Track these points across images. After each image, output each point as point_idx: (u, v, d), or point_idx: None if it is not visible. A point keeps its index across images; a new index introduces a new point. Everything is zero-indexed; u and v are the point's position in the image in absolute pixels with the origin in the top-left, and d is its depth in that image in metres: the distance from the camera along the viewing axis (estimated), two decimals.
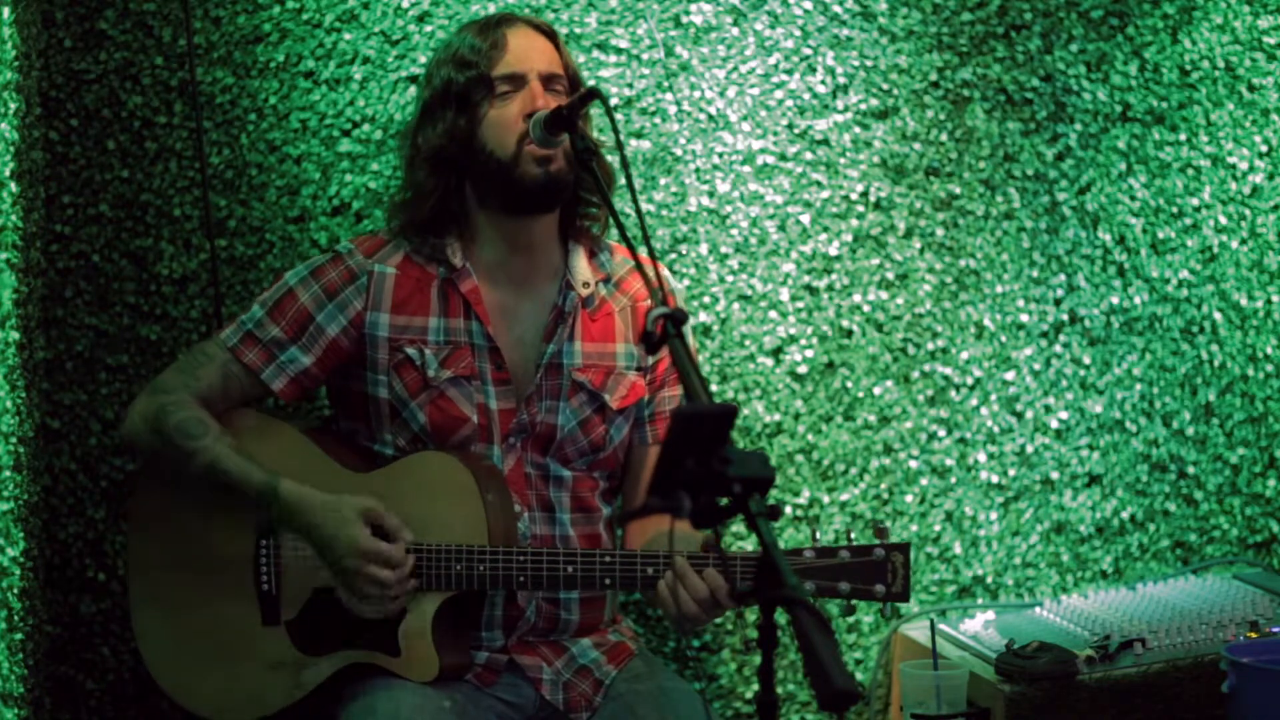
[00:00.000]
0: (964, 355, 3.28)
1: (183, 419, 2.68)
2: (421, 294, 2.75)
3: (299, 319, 2.74)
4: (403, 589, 2.62)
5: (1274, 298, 3.39)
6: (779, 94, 3.21)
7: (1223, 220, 3.37)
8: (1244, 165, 3.37)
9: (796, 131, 3.22)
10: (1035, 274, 3.30)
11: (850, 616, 2.75)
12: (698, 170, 3.19)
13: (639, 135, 3.17)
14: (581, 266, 2.81)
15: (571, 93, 2.73)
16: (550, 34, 2.79)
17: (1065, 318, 3.32)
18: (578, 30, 3.13)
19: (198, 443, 2.67)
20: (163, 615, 2.76)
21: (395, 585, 2.61)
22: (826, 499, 3.22)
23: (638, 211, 2.40)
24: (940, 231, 3.27)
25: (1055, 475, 3.31)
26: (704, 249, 3.19)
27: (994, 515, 3.28)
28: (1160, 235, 3.35)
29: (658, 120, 3.18)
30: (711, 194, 3.20)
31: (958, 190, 3.28)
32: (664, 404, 2.86)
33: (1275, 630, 2.97)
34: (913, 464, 3.25)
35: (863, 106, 3.24)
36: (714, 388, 3.18)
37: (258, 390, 2.75)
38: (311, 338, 2.73)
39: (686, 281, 3.17)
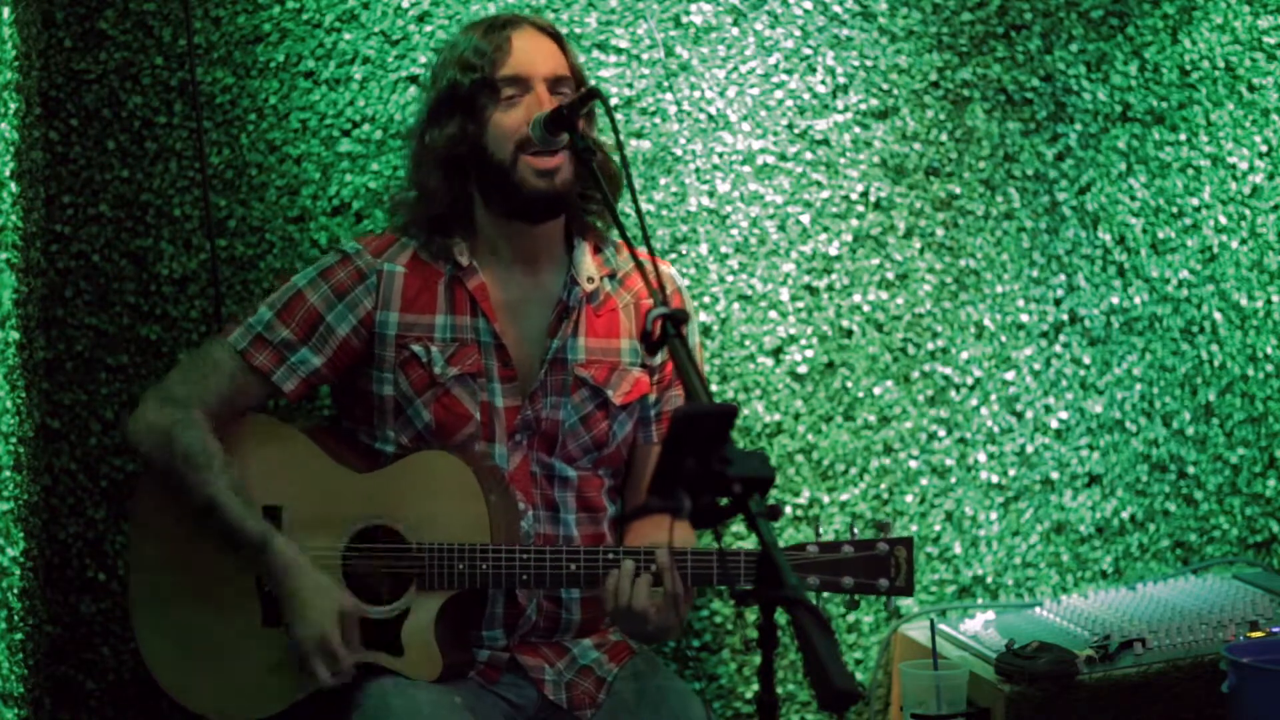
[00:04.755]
0: (964, 355, 3.28)
1: (190, 443, 2.68)
2: (429, 292, 2.76)
3: (309, 320, 2.73)
4: (326, 685, 2.64)
5: (1274, 298, 3.39)
6: (779, 94, 3.21)
7: (1223, 220, 3.37)
8: (1244, 165, 3.37)
9: (796, 131, 3.22)
10: (1035, 274, 3.30)
11: (854, 611, 2.75)
12: (698, 170, 3.19)
13: (639, 135, 3.17)
14: (586, 261, 2.81)
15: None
16: (555, 36, 2.79)
17: (1065, 318, 3.32)
18: (578, 30, 3.13)
19: (201, 474, 2.67)
20: (163, 615, 2.75)
21: (324, 682, 2.63)
22: (826, 499, 3.22)
23: (638, 211, 2.40)
24: (940, 231, 3.27)
25: (1055, 475, 3.31)
26: (704, 249, 3.19)
27: (994, 515, 3.28)
28: (1160, 235, 3.35)
29: (658, 120, 3.18)
30: (711, 194, 3.20)
31: (958, 190, 3.28)
32: (671, 403, 2.86)
33: (1275, 630, 2.97)
34: (913, 464, 3.25)
35: (863, 106, 3.24)
36: (714, 388, 3.18)
37: (267, 394, 2.75)
38: (322, 338, 2.73)
39: (686, 281, 3.17)
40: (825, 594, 2.76)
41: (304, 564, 2.65)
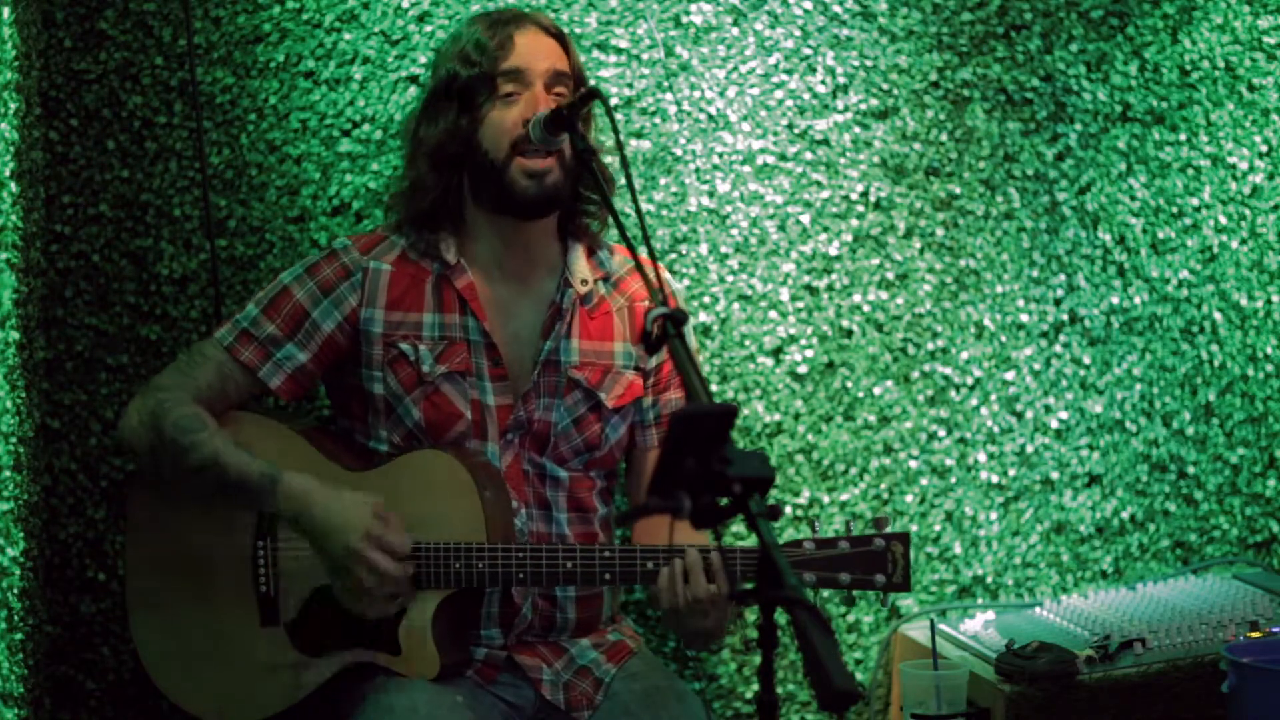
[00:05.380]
0: (964, 355, 3.28)
1: (180, 415, 2.67)
2: (416, 290, 2.75)
3: (294, 316, 2.73)
4: (400, 586, 2.60)
5: (1274, 298, 3.39)
6: (779, 94, 3.21)
7: (1223, 220, 3.37)
8: (1244, 165, 3.37)
9: (796, 131, 3.22)
10: (1035, 274, 3.30)
11: (851, 607, 2.75)
12: (698, 170, 3.19)
13: (639, 135, 3.17)
14: (580, 264, 2.81)
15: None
16: (560, 36, 2.78)
17: (1065, 318, 3.32)
18: (578, 30, 3.13)
19: (196, 436, 2.66)
20: (161, 617, 2.75)
21: (393, 580, 2.59)
22: (826, 499, 3.22)
23: (638, 211, 2.40)
24: (940, 231, 3.27)
25: (1055, 475, 3.31)
26: (704, 249, 3.19)
27: (994, 515, 3.28)
28: (1160, 235, 3.35)
29: (658, 120, 3.18)
30: (711, 194, 3.20)
31: (958, 190, 3.28)
32: (669, 406, 2.85)
33: (1275, 630, 2.97)
34: (913, 464, 3.25)
35: (863, 106, 3.24)
36: (714, 388, 3.18)
37: (255, 389, 2.75)
38: (308, 334, 2.73)
39: (686, 281, 3.17)
40: (825, 592, 2.76)
41: (321, 485, 2.63)
